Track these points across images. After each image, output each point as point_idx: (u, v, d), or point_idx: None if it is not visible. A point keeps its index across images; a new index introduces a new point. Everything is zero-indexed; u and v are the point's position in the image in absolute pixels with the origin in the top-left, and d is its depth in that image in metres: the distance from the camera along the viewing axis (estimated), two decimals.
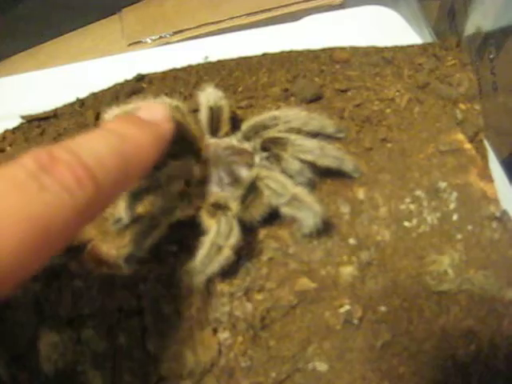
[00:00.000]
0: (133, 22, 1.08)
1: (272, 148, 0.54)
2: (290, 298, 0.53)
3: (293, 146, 0.53)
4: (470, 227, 0.57)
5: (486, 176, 0.60)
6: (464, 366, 0.53)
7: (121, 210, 0.52)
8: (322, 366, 0.53)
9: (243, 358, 0.52)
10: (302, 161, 0.53)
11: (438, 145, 0.61)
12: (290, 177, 0.53)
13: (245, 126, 0.58)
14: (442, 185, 0.58)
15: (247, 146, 0.57)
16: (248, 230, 0.53)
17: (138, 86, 0.68)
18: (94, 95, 0.69)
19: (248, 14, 1.07)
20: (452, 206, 0.57)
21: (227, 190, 0.55)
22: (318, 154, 0.53)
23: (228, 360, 0.52)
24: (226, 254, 0.49)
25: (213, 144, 0.57)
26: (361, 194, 0.57)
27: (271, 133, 0.55)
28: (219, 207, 0.51)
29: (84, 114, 0.67)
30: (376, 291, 0.54)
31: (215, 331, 0.52)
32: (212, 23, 1.06)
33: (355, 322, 0.53)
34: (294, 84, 0.65)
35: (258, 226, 0.54)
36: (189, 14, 1.08)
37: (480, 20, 0.72)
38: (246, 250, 0.53)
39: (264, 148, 0.55)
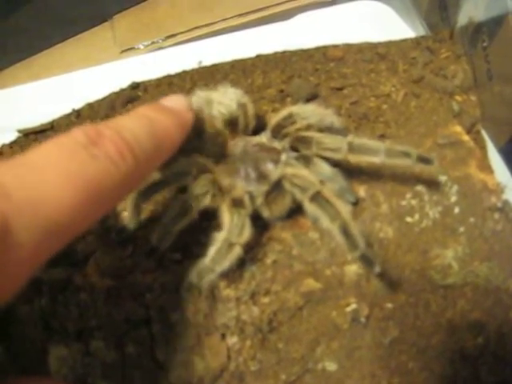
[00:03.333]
0: (124, 28, 1.08)
1: (300, 148, 0.55)
2: (296, 299, 0.53)
3: (318, 145, 0.53)
4: (472, 219, 0.57)
5: (486, 167, 0.60)
6: (473, 359, 0.53)
7: (126, 219, 0.53)
8: (331, 366, 0.53)
9: (252, 361, 0.52)
10: (331, 161, 0.53)
11: (436, 138, 0.61)
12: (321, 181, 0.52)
13: (269, 125, 0.58)
14: (443, 178, 0.58)
15: (277, 144, 0.56)
16: (261, 228, 0.54)
17: (134, 95, 0.68)
18: (90, 105, 0.69)
19: (240, 15, 1.06)
20: (453, 199, 0.57)
21: (253, 184, 0.54)
22: (346, 150, 0.52)
23: (237, 365, 0.52)
24: (237, 251, 0.49)
25: (242, 141, 0.57)
26: (362, 191, 0.57)
27: (293, 130, 0.55)
28: (236, 204, 0.51)
29: (81, 125, 0.66)
30: (381, 288, 0.54)
31: (223, 336, 0.52)
32: (204, 26, 1.05)
33: (362, 320, 0.53)
34: (290, 84, 0.65)
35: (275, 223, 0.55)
36: (180, 17, 1.07)
37: (472, 10, 0.71)
38: (251, 254, 0.53)
39: (293, 148, 0.55)
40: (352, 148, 0.51)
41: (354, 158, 0.52)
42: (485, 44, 0.76)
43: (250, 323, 0.53)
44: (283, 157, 0.55)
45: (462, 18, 0.70)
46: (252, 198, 0.54)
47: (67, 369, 0.51)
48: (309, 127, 0.56)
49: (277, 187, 0.52)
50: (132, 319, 0.52)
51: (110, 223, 0.56)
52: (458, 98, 0.66)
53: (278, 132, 0.57)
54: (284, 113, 0.57)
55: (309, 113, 0.56)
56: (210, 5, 1.08)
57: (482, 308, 0.54)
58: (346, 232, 0.47)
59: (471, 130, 0.64)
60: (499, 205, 0.57)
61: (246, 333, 0.52)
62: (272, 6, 1.06)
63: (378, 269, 0.48)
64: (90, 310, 0.52)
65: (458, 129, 0.62)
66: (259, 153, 0.56)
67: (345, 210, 0.48)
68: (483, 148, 0.63)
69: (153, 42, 1.04)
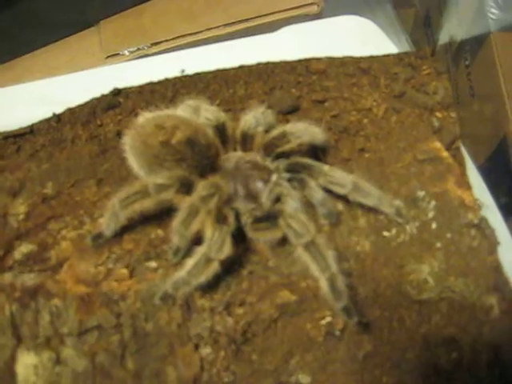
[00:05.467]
0: (111, 34, 1.08)
1: (301, 172, 0.55)
2: (271, 311, 0.53)
3: (325, 177, 0.54)
4: (449, 235, 0.57)
5: (464, 183, 0.60)
6: (447, 374, 0.53)
7: (103, 225, 0.52)
8: (305, 379, 0.52)
9: (226, 373, 0.52)
10: (329, 192, 0.54)
11: (415, 153, 0.61)
12: (311, 206, 0.54)
13: (260, 143, 0.58)
14: (421, 194, 0.58)
15: (269, 164, 0.57)
16: (238, 239, 0.53)
17: (115, 101, 0.67)
18: (71, 110, 0.69)
19: (225, 25, 1.07)
20: (431, 214, 0.57)
21: (240, 201, 0.55)
22: (350, 189, 0.54)
23: (211, 376, 0.52)
24: (214, 267, 0.49)
25: (235, 156, 0.58)
26: (340, 205, 0.57)
27: (286, 148, 0.57)
28: (219, 220, 0.51)
29: (61, 129, 0.66)
30: (357, 302, 0.54)
31: (197, 347, 0.52)
32: (189, 34, 1.06)
33: (337, 333, 0.53)
34: (271, 96, 0.66)
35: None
36: (166, 25, 1.07)
37: (453, 29, 0.73)
38: (226, 265, 0.53)
39: (290, 170, 0.56)
40: (356, 188, 0.54)
41: (353, 197, 0.54)
42: (467, 62, 0.78)
43: (224, 334, 0.52)
44: (274, 177, 0.55)
45: (443, 36, 0.71)
46: (238, 214, 0.54)
47: (36, 377, 0.50)
48: (300, 145, 0.57)
49: (271, 218, 0.53)
50: (104, 327, 0.51)
51: (86, 229, 0.55)
52: (438, 114, 0.66)
53: (271, 150, 0.57)
54: (277, 131, 0.57)
55: (302, 132, 0.57)
56: (196, 14, 1.08)
57: (456, 324, 0.54)
58: (332, 284, 0.49)
59: (451, 146, 0.64)
60: (476, 221, 0.57)
61: (220, 344, 0.52)
62: (258, 17, 1.07)
63: (356, 319, 0.50)
64: (61, 317, 0.51)
65: (438, 145, 0.62)
66: (250, 171, 0.56)
67: (334, 263, 0.49)
68: (462, 165, 0.63)
69: (138, 49, 1.04)
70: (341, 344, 0.53)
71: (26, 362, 0.50)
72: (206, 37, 1.04)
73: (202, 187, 0.51)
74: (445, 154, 0.62)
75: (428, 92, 0.67)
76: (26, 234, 0.55)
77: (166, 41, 1.05)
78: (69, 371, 0.50)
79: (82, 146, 0.64)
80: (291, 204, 0.53)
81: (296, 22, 0.92)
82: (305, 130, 0.57)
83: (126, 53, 1.04)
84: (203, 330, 0.52)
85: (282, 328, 0.53)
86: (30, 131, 0.67)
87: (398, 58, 0.71)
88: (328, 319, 0.53)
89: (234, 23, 1.07)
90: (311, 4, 1.06)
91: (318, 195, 0.54)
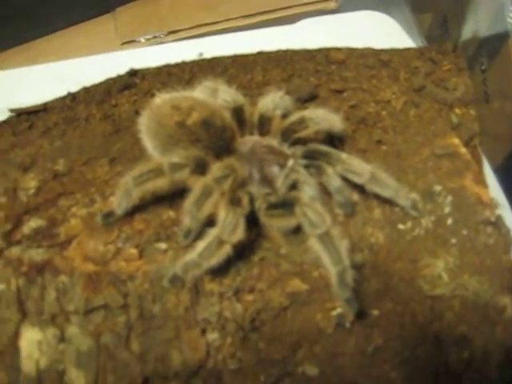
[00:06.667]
0: (127, 20, 1.07)
1: (318, 158, 0.54)
2: (281, 299, 0.52)
3: (343, 165, 0.53)
4: (464, 231, 0.55)
5: (481, 181, 0.59)
6: (457, 374, 0.52)
7: (114, 203, 0.51)
8: (312, 371, 0.51)
9: (232, 360, 0.51)
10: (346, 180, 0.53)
11: (433, 148, 0.60)
12: (328, 194, 0.53)
13: (278, 128, 0.57)
14: (437, 188, 0.57)
15: (286, 149, 0.56)
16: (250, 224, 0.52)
17: (131, 82, 0.67)
18: (86, 90, 0.68)
19: (244, 16, 1.06)
20: (447, 209, 0.56)
21: (255, 185, 0.54)
22: (368, 178, 0.53)
23: (216, 362, 0.51)
24: (226, 250, 0.48)
25: (251, 140, 0.56)
26: (355, 195, 0.56)
27: (304, 133, 0.56)
28: (233, 202, 0.50)
29: (75, 108, 0.66)
30: (369, 294, 0.53)
31: (203, 332, 0.51)
32: (207, 24, 1.05)
33: (347, 325, 0.52)
34: (290, 83, 0.65)
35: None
36: (184, 14, 1.06)
37: (471, 33, 0.72)
38: (237, 250, 0.52)
39: (307, 156, 0.55)
40: (373, 178, 0.53)
41: (370, 187, 0.53)
42: (483, 67, 0.76)
43: (232, 320, 0.51)
44: (290, 162, 0.54)
45: (465, 34, 0.69)
46: (251, 199, 0.53)
47: (40, 354, 0.49)
48: (317, 132, 0.56)
49: (286, 206, 0.52)
50: (110, 306, 0.50)
51: (96, 207, 0.54)
52: (457, 110, 0.65)
53: (288, 136, 0.56)
54: (296, 116, 0.56)
55: (321, 118, 0.56)
56: (215, 4, 1.07)
57: (469, 323, 0.53)
58: (341, 278, 0.48)
59: (468, 143, 0.63)
60: (492, 219, 0.56)
61: (227, 330, 0.51)
62: (276, 10, 1.06)
63: (352, 316, 0.51)
64: (68, 294, 0.50)
65: (456, 141, 0.61)
66: (267, 155, 0.55)
67: (346, 257, 0.48)
68: (479, 162, 0.62)
69: (154, 37, 1.03)
70: (350, 336, 0.52)
71: (31, 338, 0.50)
72: (223, 27, 1.03)
73: (216, 168, 0.50)
74: (463, 150, 0.61)
75: (448, 88, 0.66)
76: (35, 209, 0.55)
77: (183, 30, 1.04)
78: (73, 349, 0.50)
79: (95, 125, 0.63)
80: (307, 191, 0.52)
81: (315, 16, 0.92)
82: (324, 117, 0.56)
83: (142, 40, 1.03)
84: (211, 315, 0.51)
85: (291, 317, 0.52)
86: (44, 109, 0.67)
87: (419, 52, 0.70)
88: (339, 310, 0.52)
89: (252, 15, 1.06)
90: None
91: (335, 183, 0.52)
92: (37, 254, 0.51)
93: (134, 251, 0.52)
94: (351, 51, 0.70)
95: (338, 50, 0.70)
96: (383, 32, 0.87)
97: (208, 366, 0.50)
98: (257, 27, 0.94)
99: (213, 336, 0.51)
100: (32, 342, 0.50)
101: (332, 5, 1.06)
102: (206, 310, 0.51)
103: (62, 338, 0.50)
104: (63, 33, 1.05)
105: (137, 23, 1.05)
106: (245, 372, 0.51)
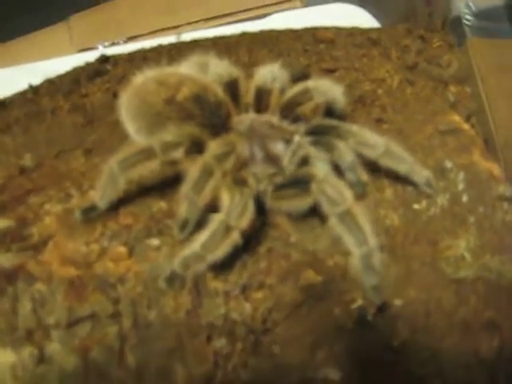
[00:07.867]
0: (82, 28, 1.02)
1: (326, 134, 0.49)
2: (293, 294, 0.47)
3: (355, 137, 0.48)
4: (481, 209, 0.53)
5: (489, 156, 0.57)
6: (489, 363, 0.48)
7: (96, 195, 0.45)
8: (334, 374, 0.46)
9: (244, 369, 0.46)
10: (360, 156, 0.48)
11: (436, 125, 0.58)
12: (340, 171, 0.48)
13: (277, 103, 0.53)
14: (448, 165, 0.54)
15: (288, 126, 0.51)
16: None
17: (102, 68, 0.61)
18: (50, 81, 0.62)
19: (206, 20, 1.03)
20: (461, 186, 0.53)
21: (259, 166, 0.49)
22: (382, 151, 0.48)
23: (226, 373, 0.45)
24: (234, 239, 0.43)
25: (249, 117, 0.51)
26: (364, 175, 0.51)
27: (308, 106, 0.51)
28: (238, 182, 0.45)
29: (38, 102, 0.60)
30: (389, 282, 0.48)
31: (209, 339, 0.46)
32: (169, 28, 1.02)
33: (369, 318, 0.47)
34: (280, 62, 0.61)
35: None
36: (143, 19, 1.02)
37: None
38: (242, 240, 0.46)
39: (312, 133, 0.50)
40: (388, 151, 0.48)
41: (384, 162, 0.49)
42: None
43: (241, 323, 0.46)
44: (296, 137, 0.49)
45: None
46: (257, 180, 0.48)
47: (14, 380, 0.42)
48: (317, 108, 0.52)
49: (299, 184, 0.47)
50: (98, 315, 0.44)
51: (73, 202, 0.47)
52: (452, 88, 0.63)
53: (289, 112, 0.52)
54: (299, 87, 0.52)
55: (327, 88, 0.52)
56: (176, 8, 1.04)
57: (495, 306, 0.50)
58: (367, 261, 0.44)
59: (468, 120, 0.61)
60: (508, 194, 0.53)
61: (236, 334, 0.46)
62: (240, 11, 1.03)
63: (378, 303, 0.46)
64: (46, 305, 0.44)
65: (457, 118, 0.60)
66: (269, 130, 0.50)
67: (372, 237, 0.44)
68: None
69: (113, 43, 0.98)
70: (374, 332, 0.47)
71: (1, 362, 0.42)
72: (185, 31, 0.99)
73: (216, 145, 0.45)
74: (465, 126, 0.59)
75: (441, 64, 0.65)
76: (1, 209, 0.47)
77: (144, 35, 1.00)
78: (55, 371, 0.43)
79: (64, 117, 0.57)
80: (321, 167, 0.46)
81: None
82: (329, 87, 0.51)
83: (100, 47, 0.97)
84: (216, 319, 0.46)
85: (306, 314, 0.47)
86: (1, 105, 0.59)
87: (407, 30, 0.69)
88: (359, 302, 0.47)
89: (214, 18, 1.03)
90: None
91: (348, 157, 0.47)
92: (6, 260, 0.44)
93: (122, 250, 0.46)
94: (339, 30, 0.68)
95: (326, 29, 0.68)
96: (356, 23, 0.85)
97: (217, 378, 0.45)
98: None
99: (220, 343, 0.46)
100: (3, 367, 0.42)
101: (297, 4, 1.05)
102: (210, 312, 0.46)
103: (42, 358, 0.43)
104: (13, 43, 0.98)
105: (93, 31, 1.00)
106: (259, 382, 0.45)
